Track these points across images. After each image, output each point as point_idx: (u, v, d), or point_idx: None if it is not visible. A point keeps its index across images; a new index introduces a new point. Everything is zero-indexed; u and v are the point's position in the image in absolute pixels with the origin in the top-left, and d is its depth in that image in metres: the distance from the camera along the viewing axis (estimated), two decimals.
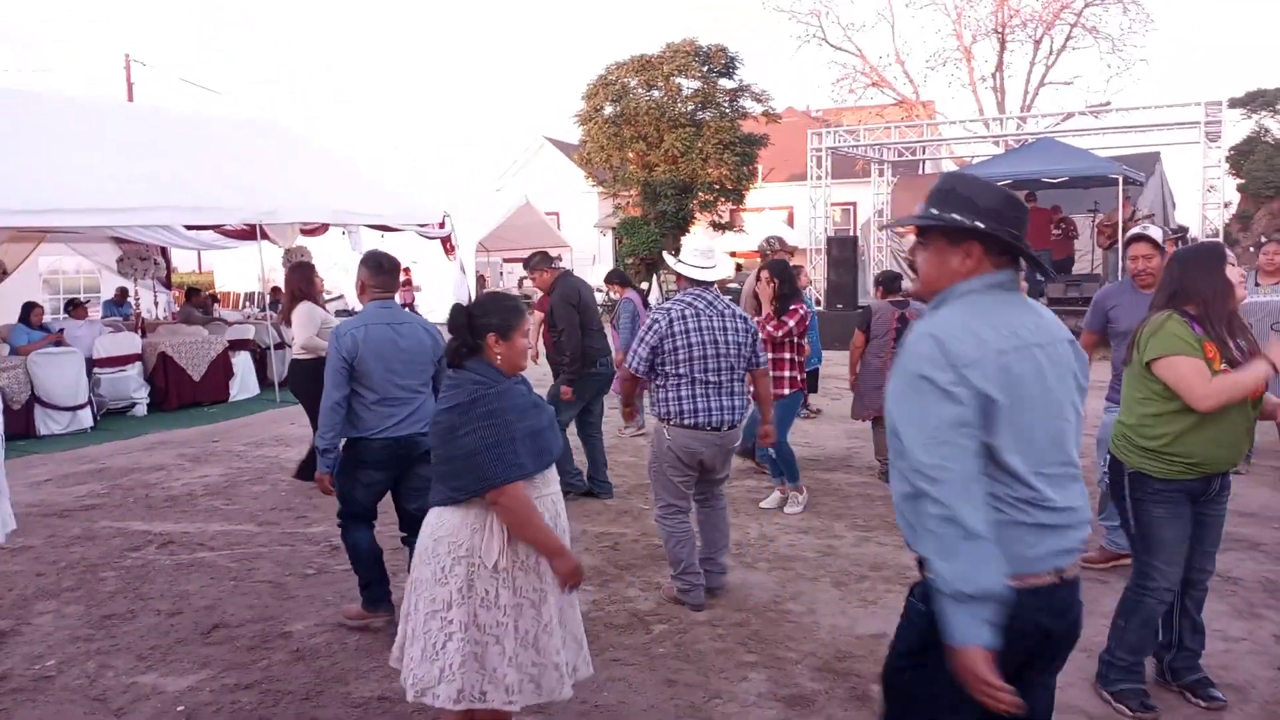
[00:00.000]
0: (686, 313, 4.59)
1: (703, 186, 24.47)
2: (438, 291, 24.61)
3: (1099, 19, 25.84)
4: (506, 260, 31.53)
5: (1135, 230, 5.22)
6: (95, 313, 14.35)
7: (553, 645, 2.89)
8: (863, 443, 8.59)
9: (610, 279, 9.74)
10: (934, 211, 2.12)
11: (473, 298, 15.12)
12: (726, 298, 4.68)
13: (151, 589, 5.27)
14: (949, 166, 26.12)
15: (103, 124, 11.77)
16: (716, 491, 4.96)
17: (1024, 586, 1.98)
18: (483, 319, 2.91)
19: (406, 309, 4.87)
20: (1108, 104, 21.74)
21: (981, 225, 2.06)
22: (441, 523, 2.89)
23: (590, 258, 34.43)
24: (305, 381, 6.90)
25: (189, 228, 10.58)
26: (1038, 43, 25.41)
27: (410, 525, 4.37)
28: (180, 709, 3.85)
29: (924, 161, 22.63)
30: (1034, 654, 2.11)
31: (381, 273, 4.44)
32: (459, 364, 2.92)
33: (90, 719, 3.80)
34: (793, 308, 6.23)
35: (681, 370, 4.56)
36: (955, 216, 2.07)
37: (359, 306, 4.67)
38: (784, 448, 6.39)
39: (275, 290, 15.29)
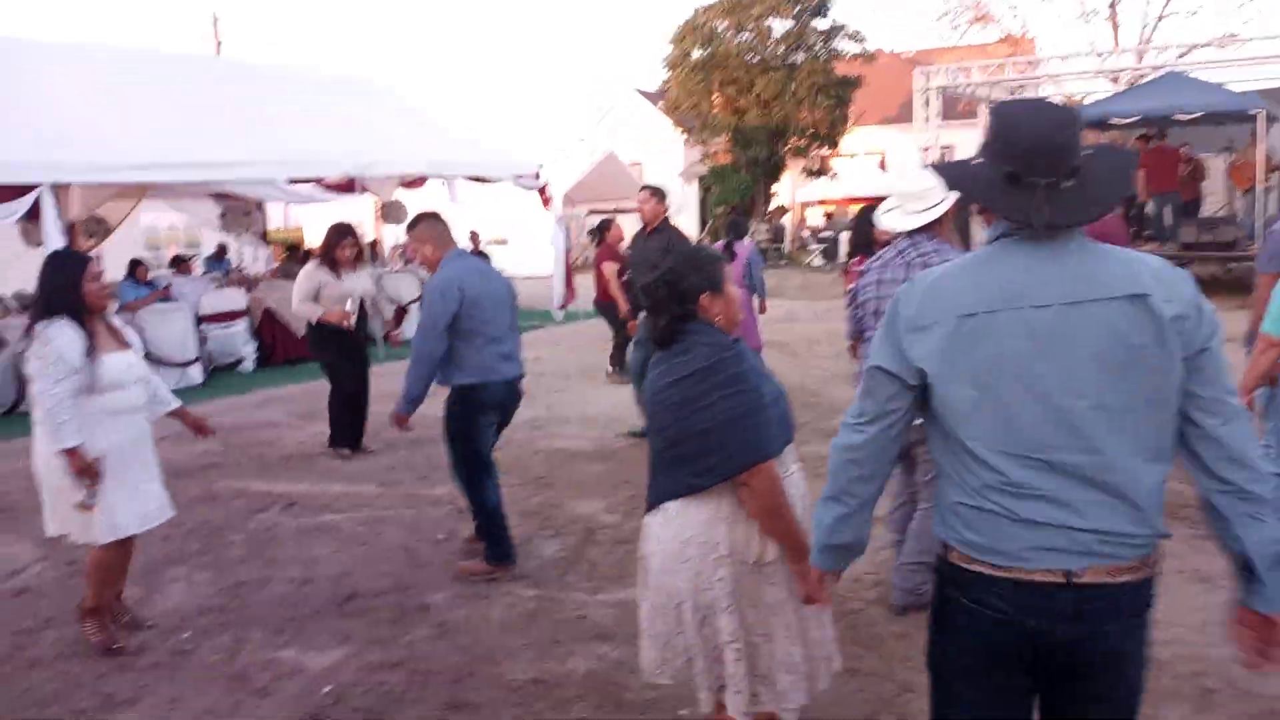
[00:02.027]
0: (873, 265, 3.97)
1: (795, 131, 23.67)
2: (528, 244, 24.49)
3: None
4: (591, 212, 31.17)
5: None
6: (196, 269, 14.42)
7: (815, 636, 2.54)
8: None
9: (729, 229, 9.26)
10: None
11: (569, 249, 14.86)
12: (933, 244, 3.76)
13: (280, 554, 5.08)
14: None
15: (198, 80, 11.64)
16: (921, 494, 4.15)
17: (1003, 575, 1.78)
18: (689, 280, 2.47)
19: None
20: (1234, 35, 20.19)
21: (963, 178, 1.88)
22: (686, 519, 2.44)
23: (676, 207, 33.78)
24: (312, 343, 7.17)
25: (290, 181, 10.38)
26: None
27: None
28: (326, 690, 3.60)
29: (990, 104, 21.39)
30: (1038, 664, 1.84)
31: (444, 224, 4.65)
32: (672, 339, 2.48)
33: (231, 699, 3.58)
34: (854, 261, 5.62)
35: (869, 325, 3.99)
36: (976, 159, 1.84)
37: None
38: None
39: (374, 244, 15.19)
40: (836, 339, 12.19)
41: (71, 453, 3.60)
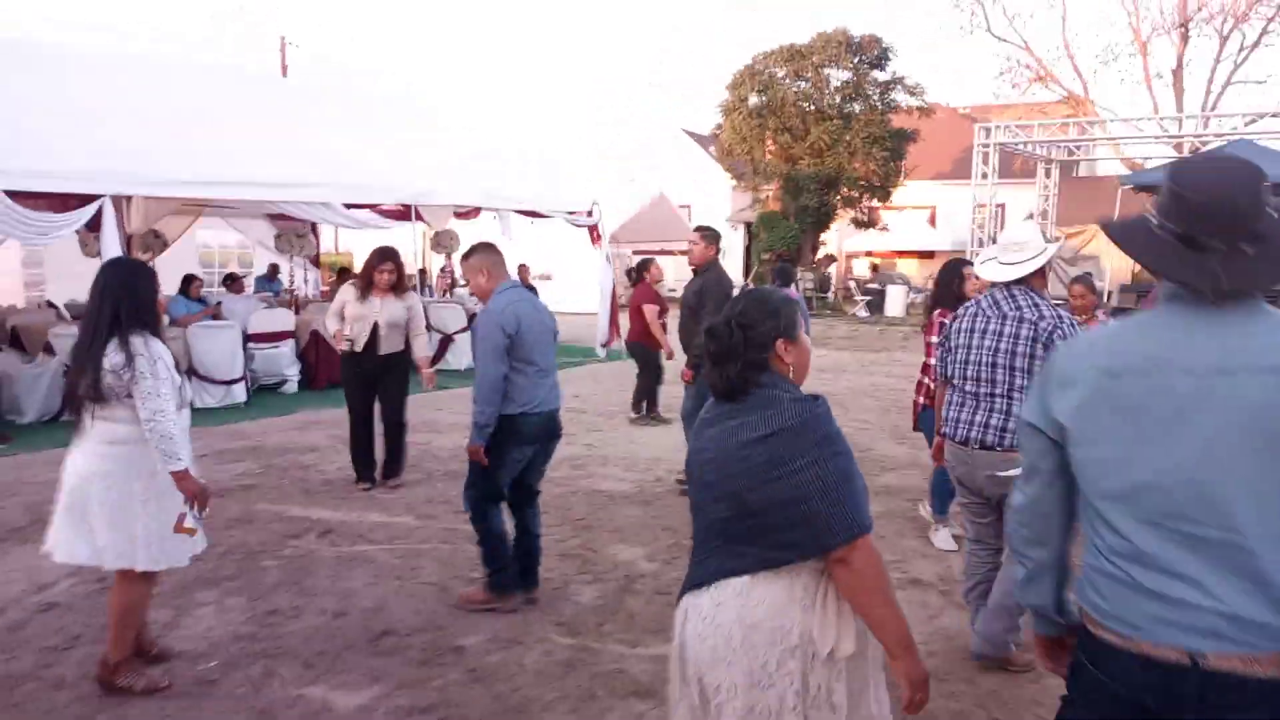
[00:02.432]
0: (969, 310, 4.03)
1: (847, 181, 23.59)
2: (574, 280, 24.54)
3: None
4: (636, 252, 31.21)
5: None
6: (247, 288, 14.56)
7: None
8: None
9: (776, 275, 9.14)
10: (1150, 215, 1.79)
11: (615, 287, 14.79)
12: (1030, 297, 3.83)
13: (315, 583, 4.97)
14: (1117, 169, 24.50)
15: (262, 100, 11.83)
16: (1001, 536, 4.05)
17: (1129, 649, 1.70)
18: (763, 325, 2.18)
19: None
20: None
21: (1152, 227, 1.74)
22: (755, 601, 2.08)
23: (722, 252, 33.73)
24: (340, 368, 7.03)
25: (347, 206, 10.45)
26: (1225, 38, 23.47)
27: (527, 498, 4.79)
28: None
29: (1079, 163, 21.12)
30: None
31: (499, 255, 4.63)
32: (742, 391, 2.18)
33: None
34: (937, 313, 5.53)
35: (948, 374, 4.09)
36: (1149, 217, 1.76)
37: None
38: (936, 472, 5.62)
39: (422, 272, 15.25)
40: (884, 392, 11.99)
41: (184, 474, 3.51)
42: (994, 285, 3.96)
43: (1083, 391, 1.75)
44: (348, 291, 6.80)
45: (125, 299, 3.56)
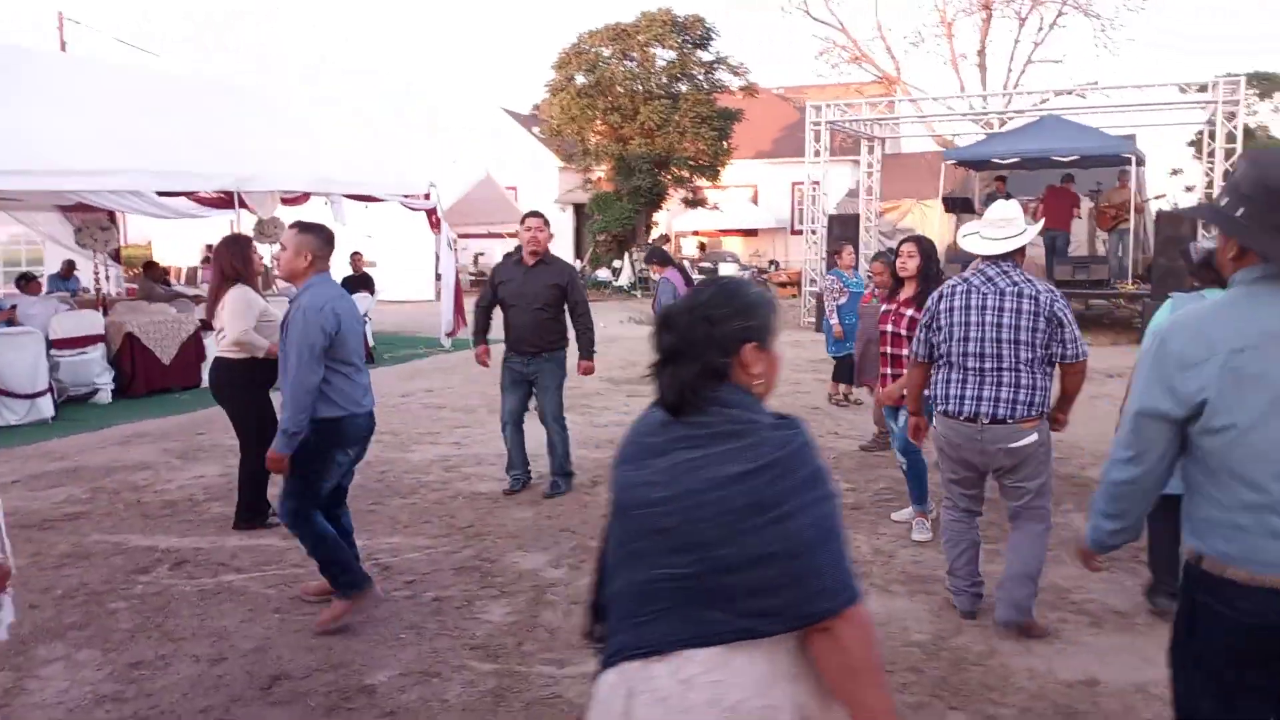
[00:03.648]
0: (957, 289, 4.01)
1: (677, 161, 23.65)
2: (404, 267, 23.55)
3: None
4: (462, 235, 30.23)
5: None
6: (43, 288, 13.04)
7: None
8: None
9: (651, 258, 8.89)
10: (1224, 202, 2.04)
11: (451, 275, 14.17)
12: (1020, 273, 3.91)
13: (179, 626, 4.33)
14: (925, 145, 25.67)
15: (54, 79, 10.51)
16: (1021, 508, 4.12)
17: (1255, 584, 1.94)
18: (730, 323, 1.77)
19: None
20: (1094, 82, 21.35)
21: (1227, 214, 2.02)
22: (733, 677, 1.64)
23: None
24: (235, 387, 5.61)
25: (160, 194, 9.42)
26: (1023, 19, 25.00)
27: (340, 500, 4.57)
28: None
29: (894, 140, 21.92)
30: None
31: (330, 245, 4.33)
32: (696, 403, 1.75)
33: None
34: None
35: (942, 352, 4.06)
36: (1223, 204, 2.04)
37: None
38: (911, 457, 5.55)
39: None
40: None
41: None
42: (982, 260, 3.97)
43: (1213, 368, 1.94)
44: (250, 297, 5.61)
45: None
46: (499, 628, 4.31)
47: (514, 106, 34.75)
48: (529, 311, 6.23)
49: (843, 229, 15.92)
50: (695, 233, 32.09)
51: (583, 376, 6.76)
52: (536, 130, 33.11)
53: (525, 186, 33.04)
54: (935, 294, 4.15)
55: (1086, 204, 16.84)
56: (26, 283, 10.39)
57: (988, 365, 3.92)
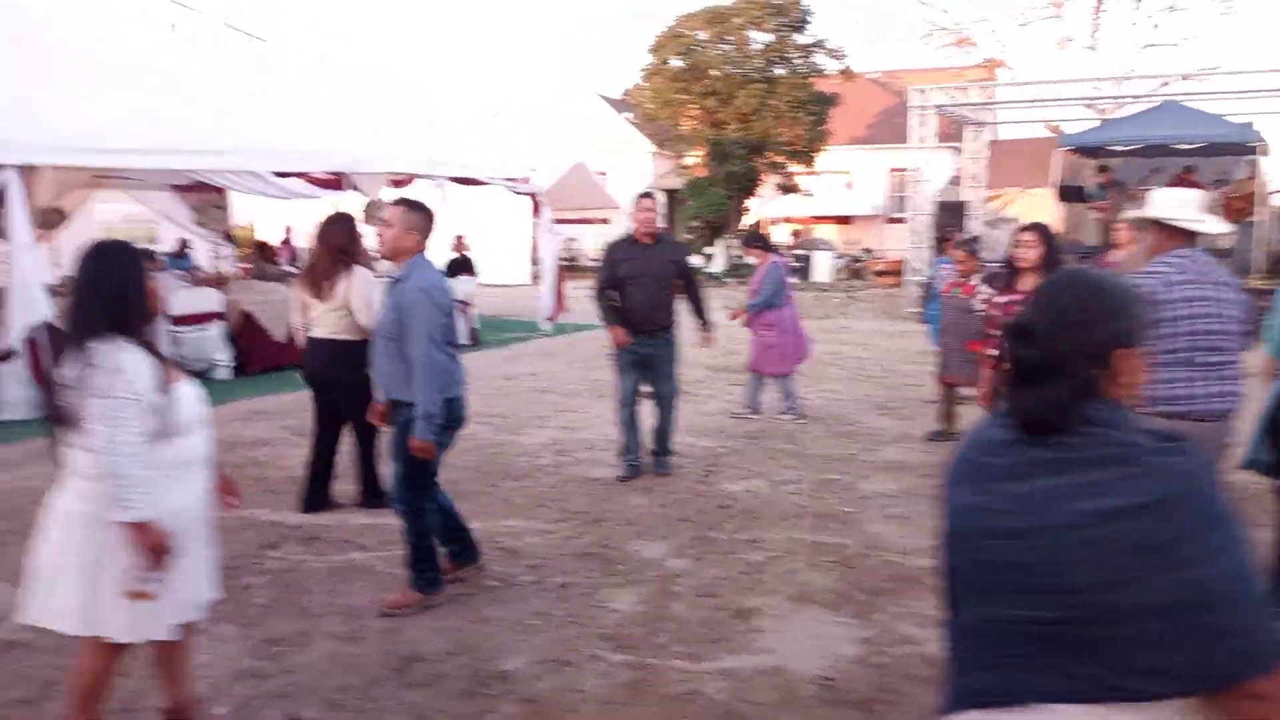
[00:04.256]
0: (1175, 278, 3.64)
1: (773, 146, 23.32)
2: (498, 252, 23.77)
3: None
4: (556, 220, 30.33)
5: None
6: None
7: None
8: None
9: (750, 243, 8.73)
10: None
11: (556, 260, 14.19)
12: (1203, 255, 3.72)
13: (312, 602, 4.38)
14: (1030, 132, 24.83)
15: (174, 56, 10.78)
16: None
17: None
18: (1105, 326, 1.54)
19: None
20: (1215, 67, 20.33)
21: None
22: None
23: None
24: (355, 369, 5.26)
25: (276, 174, 9.59)
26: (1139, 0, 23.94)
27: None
28: None
29: (995, 126, 21.17)
30: None
31: (433, 224, 4.30)
32: (1066, 424, 1.51)
33: None
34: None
35: (1170, 347, 3.66)
36: None
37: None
38: None
39: None
40: (846, 361, 11.77)
41: (141, 527, 2.70)
42: (1187, 246, 3.70)
43: None
44: (371, 278, 5.61)
45: (93, 296, 2.81)
46: (627, 617, 4.24)
47: (608, 92, 34.76)
48: (650, 289, 6.27)
49: (950, 217, 15.48)
50: (787, 219, 31.72)
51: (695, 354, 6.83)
52: (629, 115, 33.09)
53: (616, 172, 33.13)
54: (1155, 281, 3.68)
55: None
56: (149, 260, 10.68)
57: (1213, 359, 3.68)
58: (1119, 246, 8.81)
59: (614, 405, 6.50)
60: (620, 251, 6.43)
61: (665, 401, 6.49)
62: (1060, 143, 16.12)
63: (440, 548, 4.47)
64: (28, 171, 7.79)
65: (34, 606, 2.89)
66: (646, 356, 6.34)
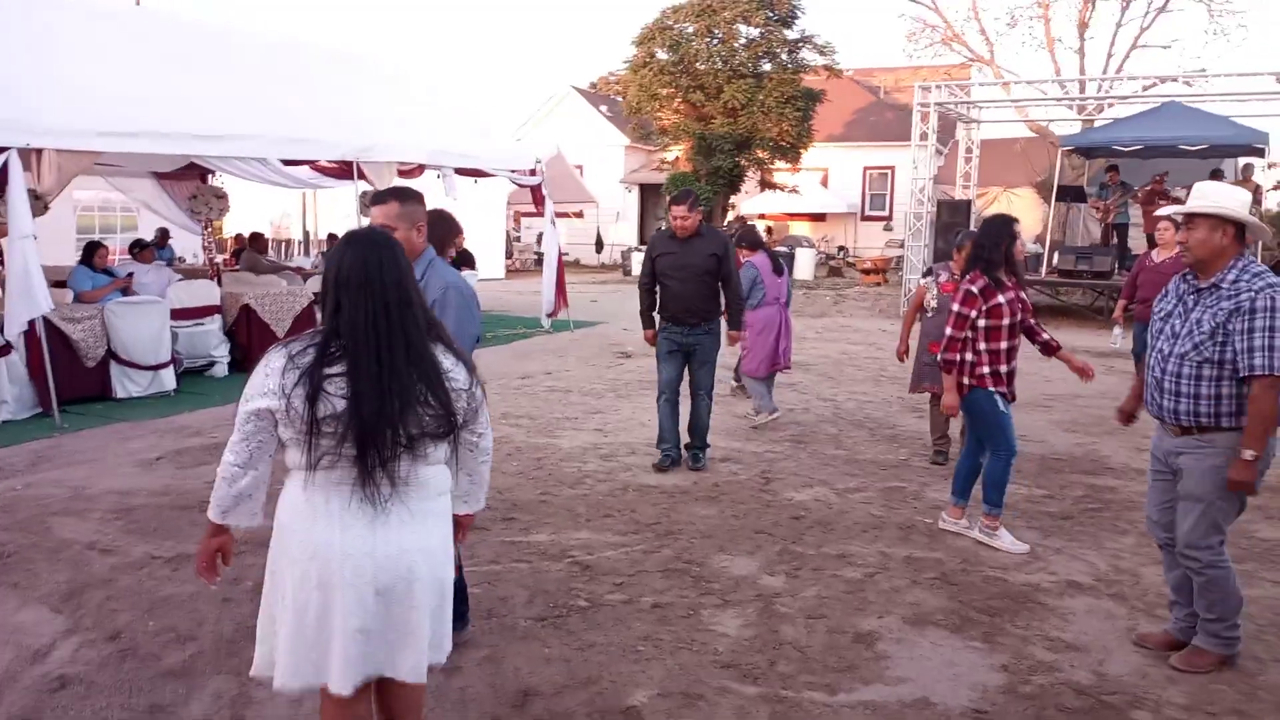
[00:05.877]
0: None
1: (760, 143, 23.05)
2: (479, 247, 23.31)
3: None
4: (528, 215, 29.85)
5: None
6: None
7: None
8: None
9: (741, 240, 8.34)
10: None
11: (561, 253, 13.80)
12: None
13: None
14: (1016, 131, 24.88)
15: (179, 41, 10.26)
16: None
17: None
18: None
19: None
20: (1203, 71, 20.49)
21: None
22: None
23: (614, 214, 32.93)
24: None
25: (285, 163, 9.14)
26: (1127, 3, 24.01)
27: None
28: None
29: (981, 124, 21.13)
30: None
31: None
32: None
33: None
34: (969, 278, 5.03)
35: None
36: None
37: None
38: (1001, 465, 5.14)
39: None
40: (862, 361, 11.53)
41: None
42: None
43: None
44: None
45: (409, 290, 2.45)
46: (739, 642, 3.93)
47: (586, 85, 34.30)
48: (690, 282, 6.23)
49: (953, 215, 15.35)
50: (762, 216, 31.51)
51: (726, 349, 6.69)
52: (604, 109, 32.62)
53: (592, 165, 32.68)
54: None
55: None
56: (140, 250, 10.16)
57: None
58: (1162, 246, 8.71)
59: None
60: (659, 246, 6.45)
61: (699, 392, 6.46)
62: (1063, 143, 16.06)
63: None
64: (32, 155, 7.31)
65: (355, 665, 2.39)
66: (686, 346, 6.33)
